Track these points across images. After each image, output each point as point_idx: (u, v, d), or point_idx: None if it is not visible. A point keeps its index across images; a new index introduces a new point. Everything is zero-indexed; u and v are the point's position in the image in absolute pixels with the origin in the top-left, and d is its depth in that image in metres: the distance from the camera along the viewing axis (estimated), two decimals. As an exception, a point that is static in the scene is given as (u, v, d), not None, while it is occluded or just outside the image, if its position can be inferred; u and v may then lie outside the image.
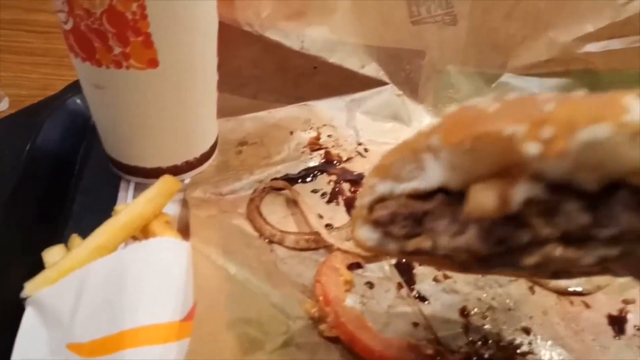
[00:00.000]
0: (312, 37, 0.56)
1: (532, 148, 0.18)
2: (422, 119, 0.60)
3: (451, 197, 0.23)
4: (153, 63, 0.41)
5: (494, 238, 0.20)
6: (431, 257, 0.24)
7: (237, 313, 0.34)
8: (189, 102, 0.46)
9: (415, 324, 0.41)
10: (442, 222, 0.23)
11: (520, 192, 0.19)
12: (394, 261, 0.45)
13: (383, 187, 0.26)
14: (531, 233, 0.20)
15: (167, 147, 0.48)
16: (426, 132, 0.24)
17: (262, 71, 0.57)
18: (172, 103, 0.45)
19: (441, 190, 0.23)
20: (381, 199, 0.26)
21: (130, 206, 0.40)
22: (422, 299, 0.43)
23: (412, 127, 0.59)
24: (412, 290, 0.43)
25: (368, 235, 0.27)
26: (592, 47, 0.54)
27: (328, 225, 0.48)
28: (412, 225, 0.24)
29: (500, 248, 0.20)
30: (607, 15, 0.52)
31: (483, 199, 0.20)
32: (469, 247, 0.21)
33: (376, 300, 0.42)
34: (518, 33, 0.56)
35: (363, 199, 0.27)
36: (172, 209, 0.46)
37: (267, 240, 0.45)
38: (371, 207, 0.27)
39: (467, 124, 0.21)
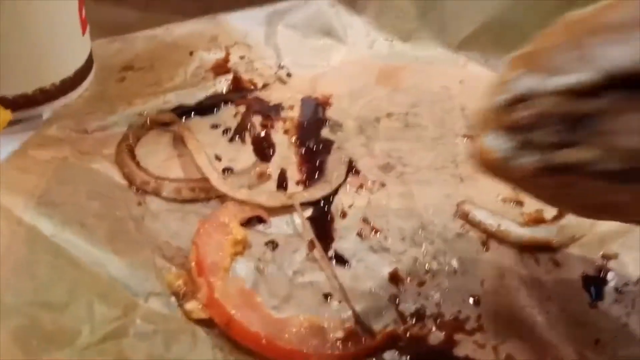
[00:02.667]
0: None
1: None
2: (362, 34, 0.47)
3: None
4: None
5: None
6: (576, 182, 0.20)
7: (30, 294, 0.23)
8: (27, 12, 0.33)
9: (328, 296, 0.30)
10: (628, 119, 0.19)
11: None
12: (307, 213, 0.35)
13: (527, 82, 0.21)
14: None
15: (7, 70, 0.36)
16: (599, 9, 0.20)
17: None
18: (4, 14, 0.32)
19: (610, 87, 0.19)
20: (520, 99, 0.21)
21: None
22: (340, 260, 0.32)
23: (348, 44, 0.47)
24: (328, 249, 0.33)
25: (498, 143, 0.22)
26: None
27: (227, 170, 0.37)
28: (565, 131, 0.20)
29: None
30: None
31: None
32: None
33: (278, 265, 0.32)
34: None
35: (495, 97, 0.22)
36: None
37: (138, 190, 0.34)
38: (506, 108, 0.22)
39: None
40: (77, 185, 0.31)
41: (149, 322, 0.26)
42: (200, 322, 0.27)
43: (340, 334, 0.28)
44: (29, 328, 0.22)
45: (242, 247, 0.31)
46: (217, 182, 0.34)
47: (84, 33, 0.40)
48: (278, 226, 0.34)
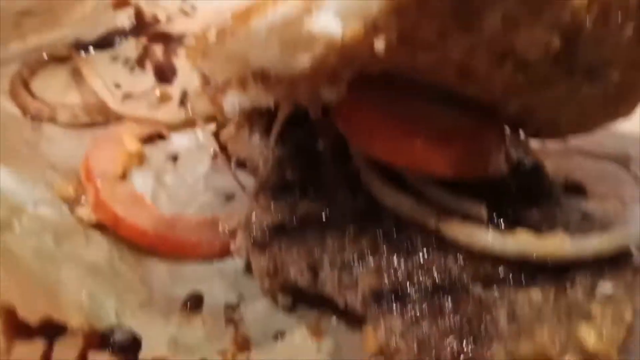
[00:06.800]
0: None
1: None
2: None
3: None
4: None
5: None
6: None
7: None
8: None
9: (230, 197, 0.31)
10: None
11: None
12: (211, 128, 0.35)
13: None
14: None
15: None
16: None
17: None
18: None
19: None
20: None
21: None
22: (242, 165, 0.32)
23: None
24: (231, 158, 0.33)
25: None
26: None
27: (127, 96, 0.36)
28: None
29: None
30: None
31: None
32: None
33: (178, 174, 0.32)
34: None
35: None
36: None
37: (33, 118, 0.34)
38: None
39: None
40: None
41: (37, 221, 0.26)
42: (96, 227, 0.27)
43: (233, 224, 0.28)
44: None
45: (137, 160, 0.31)
46: (114, 102, 0.34)
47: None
48: (180, 142, 0.34)
